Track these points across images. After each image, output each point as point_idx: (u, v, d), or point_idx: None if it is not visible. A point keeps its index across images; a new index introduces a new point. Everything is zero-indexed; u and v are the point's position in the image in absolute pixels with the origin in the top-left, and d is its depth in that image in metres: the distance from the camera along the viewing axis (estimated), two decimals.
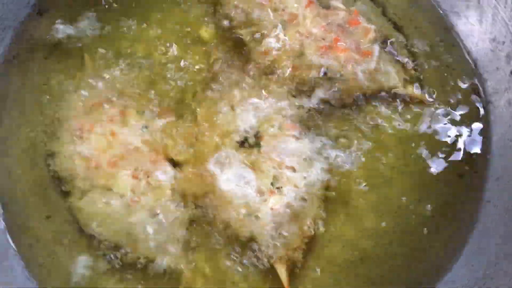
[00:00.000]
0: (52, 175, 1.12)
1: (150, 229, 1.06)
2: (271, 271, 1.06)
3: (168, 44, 1.24)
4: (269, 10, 1.25)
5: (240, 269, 1.07)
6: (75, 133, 1.12)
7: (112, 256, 1.06)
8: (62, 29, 1.24)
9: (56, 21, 1.25)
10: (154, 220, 1.06)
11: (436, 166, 1.17)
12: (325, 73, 1.19)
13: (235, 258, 1.07)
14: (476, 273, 1.08)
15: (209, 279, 1.07)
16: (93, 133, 1.11)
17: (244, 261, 1.07)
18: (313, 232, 1.09)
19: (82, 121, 1.12)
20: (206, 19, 1.28)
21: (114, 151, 1.09)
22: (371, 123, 1.19)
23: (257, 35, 1.24)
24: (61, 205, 1.10)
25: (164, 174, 1.09)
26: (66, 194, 1.10)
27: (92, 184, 1.09)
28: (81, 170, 1.09)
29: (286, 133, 1.14)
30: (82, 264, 1.06)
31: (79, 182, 1.09)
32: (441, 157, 1.18)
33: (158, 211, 1.07)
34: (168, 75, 1.21)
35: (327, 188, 1.12)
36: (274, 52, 1.22)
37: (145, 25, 1.26)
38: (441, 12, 1.33)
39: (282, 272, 1.06)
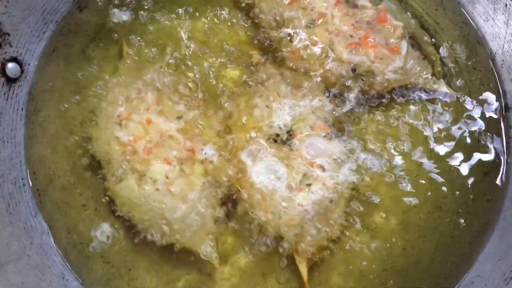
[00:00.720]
0: (90, 160, 1.16)
1: (180, 215, 1.08)
2: (293, 265, 1.09)
3: (205, 42, 1.28)
4: (298, 10, 1.26)
5: (265, 262, 1.10)
6: (114, 120, 1.14)
7: (144, 237, 1.09)
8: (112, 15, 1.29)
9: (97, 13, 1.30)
10: (185, 206, 1.07)
11: (462, 164, 1.19)
12: (355, 69, 1.19)
13: (260, 249, 1.10)
14: (502, 267, 1.08)
15: (235, 267, 1.11)
16: (131, 120, 1.12)
17: (270, 253, 1.09)
18: (338, 233, 1.11)
19: (121, 108, 1.15)
20: (241, 21, 1.31)
21: (150, 138, 1.10)
22: (401, 123, 1.21)
23: (288, 35, 1.25)
24: (97, 188, 1.14)
25: (197, 162, 1.11)
26: (102, 178, 1.13)
27: (128, 169, 1.10)
28: (118, 155, 1.11)
29: (318, 133, 1.15)
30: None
31: (115, 167, 1.12)
32: (467, 156, 1.20)
33: (190, 198, 1.08)
34: (206, 70, 1.24)
35: (355, 189, 1.14)
36: (304, 51, 1.23)
37: (184, 21, 1.30)
38: (467, 14, 1.34)
39: (302, 267, 1.08)
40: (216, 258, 1.08)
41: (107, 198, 1.13)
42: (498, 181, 1.18)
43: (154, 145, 1.10)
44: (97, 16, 1.30)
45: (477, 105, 1.24)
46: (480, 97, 1.26)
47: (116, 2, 1.31)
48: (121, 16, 1.29)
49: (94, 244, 1.11)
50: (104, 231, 1.11)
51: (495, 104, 1.25)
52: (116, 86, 1.19)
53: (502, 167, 1.19)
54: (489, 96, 1.26)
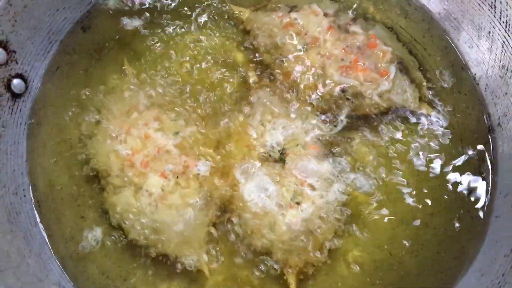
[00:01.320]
0: (89, 173, 1.19)
1: (174, 227, 1.10)
2: (282, 278, 1.12)
3: (204, 62, 1.32)
4: (292, 34, 1.30)
5: (255, 273, 1.12)
6: (113, 134, 1.17)
7: (139, 248, 1.12)
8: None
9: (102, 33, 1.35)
10: (178, 219, 1.10)
11: (448, 182, 1.22)
12: (345, 91, 1.24)
13: (251, 263, 1.13)
14: (485, 282, 1.11)
15: (227, 279, 1.13)
16: (130, 135, 1.16)
17: (260, 266, 1.12)
18: (326, 248, 1.13)
19: (120, 123, 1.18)
20: (236, 43, 1.35)
21: (147, 152, 1.14)
22: (388, 143, 1.25)
23: (282, 58, 1.29)
24: (95, 199, 1.17)
25: (192, 177, 1.14)
26: (101, 190, 1.17)
27: (125, 181, 1.13)
28: (116, 168, 1.14)
29: (309, 153, 1.19)
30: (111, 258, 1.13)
31: (113, 179, 1.15)
32: (453, 174, 1.23)
33: (183, 211, 1.11)
34: (203, 89, 1.28)
35: (343, 207, 1.16)
36: (297, 73, 1.27)
37: (183, 41, 1.34)
38: (453, 41, 1.38)
39: (291, 281, 1.11)
40: (207, 269, 1.11)
41: (104, 209, 1.15)
42: (482, 200, 1.22)
43: (151, 159, 1.13)
44: (99, 36, 1.34)
45: (463, 127, 1.28)
46: (466, 118, 1.29)
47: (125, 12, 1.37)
48: (132, 22, 1.35)
49: (91, 255, 1.13)
50: (100, 242, 1.14)
51: (481, 126, 1.29)
52: (117, 102, 1.23)
53: (487, 186, 1.23)
54: (475, 117, 1.30)
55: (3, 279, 0.98)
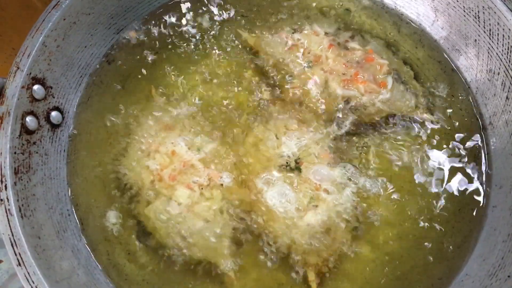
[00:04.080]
0: (123, 190, 1.27)
1: (201, 233, 1.18)
2: (303, 277, 1.18)
3: (219, 84, 1.40)
4: (297, 54, 1.39)
5: (278, 274, 1.19)
6: (143, 152, 1.27)
7: (170, 256, 1.20)
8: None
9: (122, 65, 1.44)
10: (205, 226, 1.18)
11: (448, 180, 1.30)
12: (348, 102, 1.32)
13: (273, 263, 1.20)
14: (486, 266, 1.18)
15: (252, 282, 1.19)
16: (158, 152, 1.25)
17: (282, 267, 1.19)
18: (342, 246, 1.21)
19: (149, 142, 1.27)
20: (247, 65, 1.44)
21: (174, 167, 1.22)
22: (390, 149, 1.32)
23: (290, 75, 1.38)
24: (130, 214, 1.25)
25: (216, 188, 1.22)
26: (135, 204, 1.25)
27: (156, 194, 1.22)
28: (147, 182, 1.23)
29: (322, 160, 1.26)
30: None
31: (145, 193, 1.23)
32: (452, 172, 1.30)
33: (209, 218, 1.19)
34: (221, 107, 1.36)
35: (355, 208, 1.24)
36: (303, 89, 1.35)
37: (198, 68, 1.43)
38: (443, 49, 1.46)
39: (312, 278, 1.17)
40: (232, 271, 1.18)
41: (139, 221, 1.23)
42: (480, 193, 1.29)
43: (178, 173, 1.21)
44: (123, 67, 1.43)
45: (457, 127, 1.35)
46: (460, 119, 1.36)
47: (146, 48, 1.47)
48: (150, 53, 1.45)
49: (131, 265, 1.21)
50: (138, 253, 1.22)
51: (474, 125, 1.36)
52: (145, 124, 1.31)
53: (483, 180, 1.30)
54: (468, 118, 1.37)
55: None
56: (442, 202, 1.28)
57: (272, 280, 1.19)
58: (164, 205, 1.21)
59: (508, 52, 1.28)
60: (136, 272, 1.22)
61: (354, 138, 1.33)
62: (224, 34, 1.49)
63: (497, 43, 1.32)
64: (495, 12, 1.30)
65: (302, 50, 1.41)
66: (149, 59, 1.46)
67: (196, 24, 1.51)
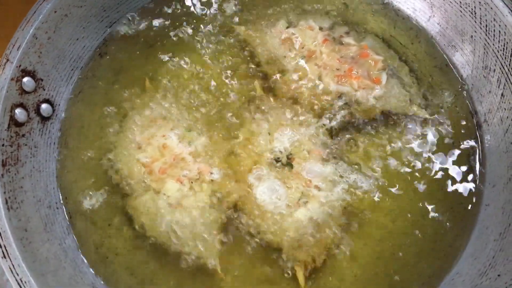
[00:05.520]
0: (113, 184, 1.27)
1: (190, 227, 1.18)
2: (291, 272, 1.18)
3: (211, 78, 1.39)
4: (291, 48, 1.39)
5: (266, 270, 1.18)
6: (134, 145, 1.27)
7: (159, 248, 1.19)
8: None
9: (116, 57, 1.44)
10: (193, 220, 1.18)
11: (442, 177, 1.29)
12: (342, 98, 1.31)
13: (262, 259, 1.19)
14: (477, 265, 1.17)
15: (240, 276, 1.19)
16: (149, 145, 1.25)
17: (271, 263, 1.19)
18: (332, 243, 1.20)
19: (141, 136, 1.27)
20: (240, 59, 1.42)
21: (165, 160, 1.22)
22: (384, 145, 1.31)
23: (283, 70, 1.37)
24: (120, 207, 1.25)
25: (205, 182, 1.22)
26: (124, 196, 1.25)
27: (146, 187, 1.22)
28: (137, 175, 1.23)
29: (313, 156, 1.26)
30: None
31: (135, 185, 1.24)
32: (445, 169, 1.30)
33: (198, 212, 1.19)
34: (213, 102, 1.35)
35: (346, 205, 1.24)
36: (297, 84, 1.35)
37: (191, 62, 1.42)
38: (439, 45, 1.45)
39: (300, 274, 1.16)
40: (219, 266, 1.17)
41: (128, 214, 1.23)
42: (473, 191, 1.28)
43: (168, 166, 1.22)
44: (115, 61, 1.43)
45: (452, 124, 1.35)
46: (455, 116, 1.36)
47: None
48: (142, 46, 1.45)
49: (119, 258, 1.20)
50: (127, 246, 1.21)
51: (468, 122, 1.35)
52: (137, 117, 1.31)
53: (476, 178, 1.30)
54: (463, 115, 1.36)
55: (44, 281, 1.06)
56: (434, 200, 1.28)
57: (261, 275, 1.19)
58: (154, 199, 1.21)
59: (504, 49, 1.27)
60: (124, 266, 1.21)
61: (347, 134, 1.32)
62: (217, 27, 1.49)
63: (493, 39, 1.30)
64: (491, 8, 1.28)
65: (296, 44, 1.40)
66: (142, 52, 1.45)
67: (189, 17, 1.50)
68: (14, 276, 1.03)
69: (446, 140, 1.34)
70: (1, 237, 1.06)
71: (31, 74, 1.24)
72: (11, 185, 1.14)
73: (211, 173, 1.24)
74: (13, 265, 1.04)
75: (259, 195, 1.22)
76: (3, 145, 1.15)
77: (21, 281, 1.03)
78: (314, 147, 1.27)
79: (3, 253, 1.05)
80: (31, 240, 1.12)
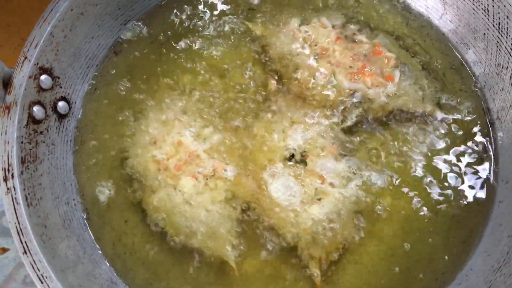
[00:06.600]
0: (129, 180, 1.28)
1: (205, 223, 1.19)
2: (306, 269, 1.18)
3: (226, 76, 1.40)
4: (304, 46, 1.40)
5: (280, 266, 1.19)
6: (151, 141, 1.28)
7: (175, 244, 1.21)
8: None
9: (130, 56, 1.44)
10: (207, 216, 1.20)
11: (455, 174, 1.29)
12: (354, 95, 1.32)
13: (276, 255, 1.20)
14: (490, 261, 1.17)
15: (253, 273, 1.19)
16: (165, 142, 1.26)
17: (285, 258, 1.19)
18: (346, 239, 1.21)
19: (157, 132, 1.29)
20: (254, 57, 1.43)
21: (180, 157, 1.24)
22: (398, 142, 1.31)
23: (296, 68, 1.37)
24: (135, 203, 1.26)
25: (220, 179, 1.23)
26: (140, 193, 1.26)
27: (161, 184, 1.24)
28: (152, 172, 1.25)
29: (327, 153, 1.26)
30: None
31: (150, 182, 1.25)
32: (459, 166, 1.30)
33: (213, 209, 1.20)
34: (228, 99, 1.35)
35: (360, 202, 1.24)
36: (310, 81, 1.35)
37: (206, 60, 1.43)
38: (451, 43, 1.45)
39: (315, 271, 1.17)
40: (234, 262, 1.18)
41: (144, 210, 1.24)
42: (486, 187, 1.29)
43: (183, 163, 1.23)
44: (130, 58, 1.43)
45: (465, 122, 1.35)
46: (468, 114, 1.36)
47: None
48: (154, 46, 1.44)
49: (136, 254, 1.22)
50: (143, 242, 1.22)
51: (481, 120, 1.35)
52: (152, 114, 1.32)
53: (490, 175, 1.30)
54: (476, 112, 1.36)
55: (64, 277, 1.07)
56: (447, 196, 1.28)
57: (275, 271, 1.20)
58: (169, 195, 1.22)
59: None
60: (140, 262, 1.23)
61: (360, 131, 1.33)
62: (232, 25, 1.49)
63: (506, 37, 1.30)
64: (504, 6, 1.28)
65: (309, 42, 1.41)
66: (156, 50, 1.46)
67: (204, 15, 1.51)
68: (35, 271, 1.04)
69: (459, 137, 1.34)
70: (22, 234, 1.07)
71: (48, 71, 1.25)
72: (30, 182, 1.15)
73: (226, 170, 1.24)
74: (34, 261, 1.05)
75: (273, 192, 1.22)
76: (22, 142, 1.15)
77: (42, 276, 1.05)
78: (328, 144, 1.28)
79: (24, 249, 1.06)
80: (50, 236, 1.13)
